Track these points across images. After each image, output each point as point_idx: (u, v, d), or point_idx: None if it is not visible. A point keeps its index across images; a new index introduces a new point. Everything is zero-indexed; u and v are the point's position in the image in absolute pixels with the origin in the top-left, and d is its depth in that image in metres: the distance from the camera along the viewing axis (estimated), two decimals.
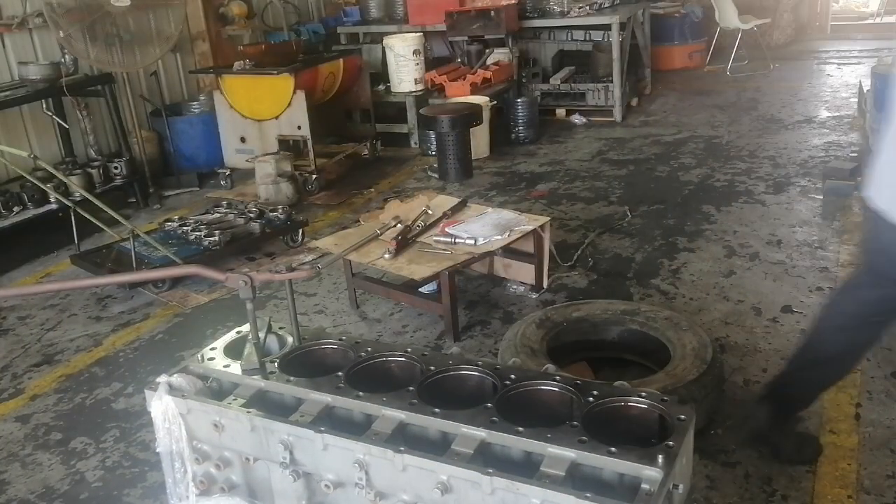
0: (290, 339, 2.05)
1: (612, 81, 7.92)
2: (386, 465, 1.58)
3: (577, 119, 8.05)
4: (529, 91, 8.10)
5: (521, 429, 1.57)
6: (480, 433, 1.58)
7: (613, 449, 1.49)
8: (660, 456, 1.44)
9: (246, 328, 2.00)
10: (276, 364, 1.92)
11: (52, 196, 5.29)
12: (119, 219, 4.57)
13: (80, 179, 5.81)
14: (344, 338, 2.04)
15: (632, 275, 4.49)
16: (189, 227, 5.03)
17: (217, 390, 1.93)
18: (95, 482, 3.09)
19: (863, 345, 2.64)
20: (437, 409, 1.66)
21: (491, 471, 1.48)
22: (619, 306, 3.60)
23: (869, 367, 3.36)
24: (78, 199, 5.12)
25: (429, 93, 7.48)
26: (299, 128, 6.34)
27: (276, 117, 6.41)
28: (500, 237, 3.98)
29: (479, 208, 4.45)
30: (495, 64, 7.79)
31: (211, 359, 1.99)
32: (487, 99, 7.04)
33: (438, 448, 1.60)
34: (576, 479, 1.49)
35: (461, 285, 4.39)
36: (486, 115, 6.76)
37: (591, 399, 1.67)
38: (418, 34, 7.66)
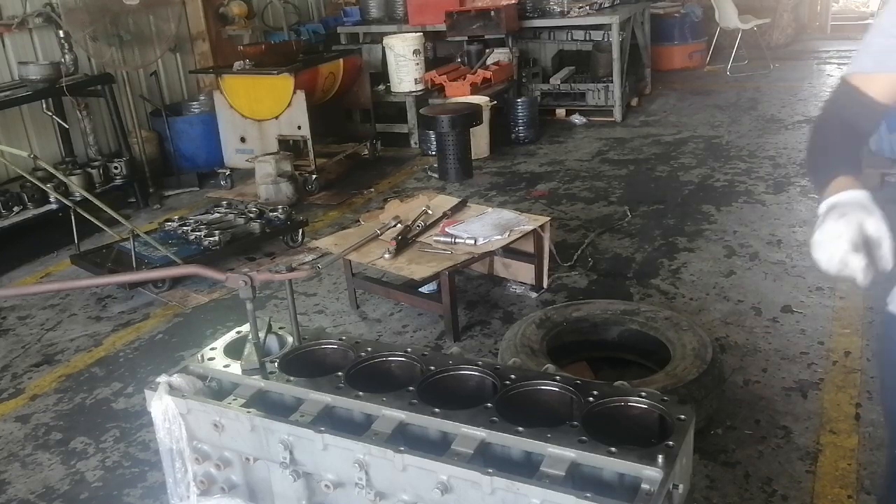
0: (290, 339, 2.05)
1: (612, 81, 7.92)
2: (386, 465, 1.58)
3: (577, 119, 8.04)
4: (529, 91, 8.10)
5: (521, 429, 1.57)
6: (480, 433, 1.58)
7: (613, 449, 1.49)
8: (660, 456, 1.44)
9: (246, 328, 2.00)
10: (276, 364, 1.92)
11: (52, 196, 5.29)
12: (119, 219, 4.57)
13: (80, 179, 5.81)
14: (344, 338, 2.04)
15: (632, 275, 4.49)
16: (189, 227, 5.03)
17: (217, 390, 1.93)
18: (95, 482, 3.09)
19: None
20: (437, 409, 1.66)
21: (491, 471, 1.47)
22: (619, 306, 3.60)
23: (868, 367, 3.37)
24: (78, 199, 5.12)
25: (429, 93, 7.48)
26: (299, 128, 6.34)
27: (276, 117, 6.41)
28: (500, 237, 3.98)
29: (479, 208, 4.45)
30: (495, 64, 7.79)
31: (211, 359, 1.98)
32: (487, 99, 7.04)
33: (438, 448, 1.60)
34: (576, 479, 1.49)
35: (461, 285, 4.39)
36: (486, 115, 6.76)
37: (591, 399, 1.67)
38: (418, 34, 7.66)
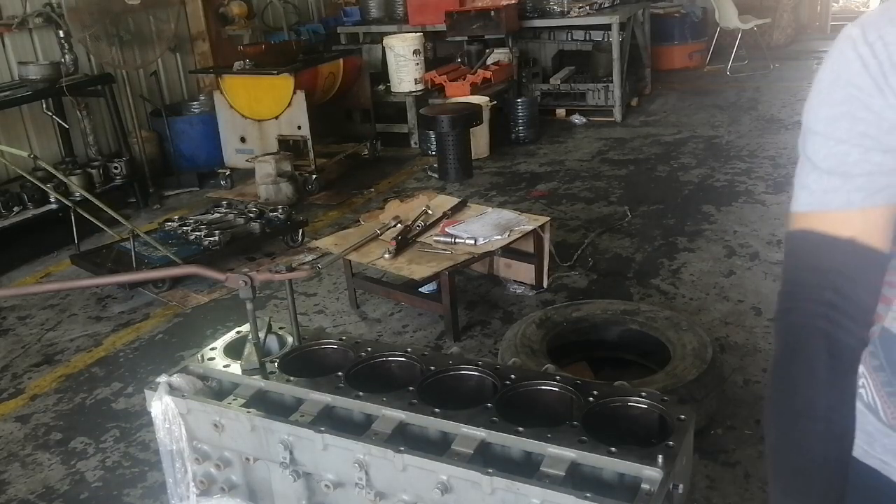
0: (290, 339, 2.04)
1: (612, 81, 7.92)
2: (386, 465, 1.58)
3: (577, 119, 8.04)
4: (529, 91, 8.10)
5: (521, 429, 1.57)
6: (480, 433, 1.58)
7: (613, 449, 1.48)
8: (660, 456, 1.44)
9: (246, 328, 2.00)
10: (276, 364, 1.91)
11: (52, 196, 5.29)
12: (119, 219, 4.57)
13: (80, 179, 5.81)
14: (344, 338, 2.04)
15: (632, 275, 4.49)
16: (189, 227, 5.03)
17: (217, 390, 1.93)
18: (95, 482, 3.09)
19: None
20: (437, 409, 1.66)
21: (491, 471, 1.47)
22: (619, 306, 3.60)
23: None
24: (78, 199, 5.12)
25: (429, 93, 7.48)
26: (299, 128, 6.34)
27: (276, 117, 6.41)
28: (500, 237, 3.98)
29: (479, 208, 4.45)
30: (495, 64, 7.79)
31: (211, 359, 1.98)
32: (487, 99, 7.04)
33: (438, 448, 1.60)
34: (576, 478, 1.49)
35: (461, 285, 4.38)
36: (486, 115, 6.76)
37: (591, 399, 1.67)
38: (418, 34, 7.66)
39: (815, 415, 1.01)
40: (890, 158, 0.99)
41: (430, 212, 4.31)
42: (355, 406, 1.73)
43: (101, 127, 6.64)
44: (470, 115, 6.34)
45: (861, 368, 1.13)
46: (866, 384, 1.19)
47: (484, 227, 4.08)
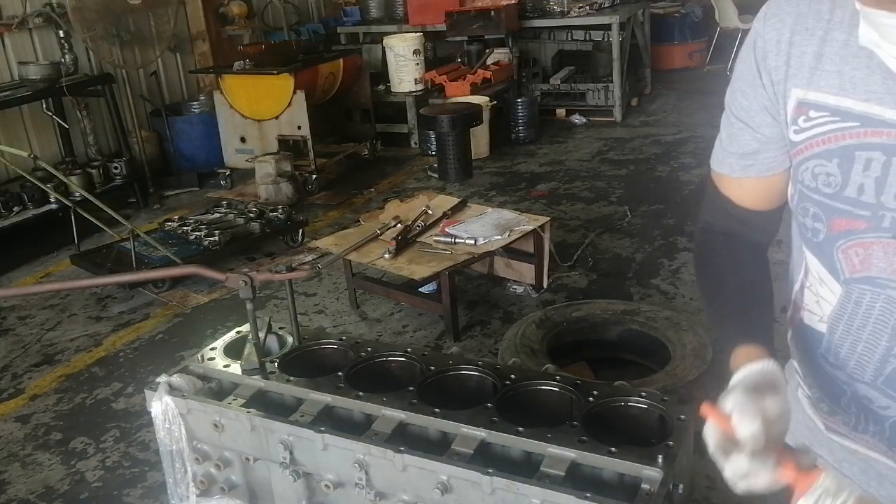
0: (290, 339, 2.04)
1: (612, 81, 7.92)
2: (386, 465, 1.58)
3: (577, 119, 8.04)
4: (529, 91, 8.10)
5: (521, 429, 1.57)
6: (480, 433, 1.58)
7: (613, 449, 1.48)
8: (660, 456, 1.44)
9: (246, 328, 2.00)
10: (276, 364, 1.91)
11: (52, 196, 5.29)
12: (119, 219, 4.57)
13: (80, 179, 5.81)
14: (344, 338, 2.04)
15: (632, 275, 4.49)
16: (189, 227, 5.03)
17: (217, 390, 1.93)
18: (95, 482, 3.10)
19: None
20: (437, 409, 1.66)
21: (491, 471, 1.47)
22: (619, 306, 3.61)
23: None
24: (78, 199, 5.12)
25: (429, 93, 7.48)
26: (299, 128, 6.34)
27: (276, 117, 6.41)
28: (500, 237, 3.98)
29: (479, 208, 4.45)
30: (495, 64, 7.78)
31: (211, 359, 1.98)
32: (487, 99, 7.04)
33: (438, 448, 1.60)
34: (576, 479, 1.49)
35: (461, 285, 4.38)
36: (486, 115, 6.76)
37: (591, 399, 1.67)
38: (418, 34, 7.66)
39: (725, 279, 1.37)
40: (755, 140, 1.17)
41: (430, 212, 4.31)
42: (355, 406, 1.73)
43: (101, 127, 6.64)
44: (470, 115, 6.34)
45: (797, 372, 1.38)
46: (801, 379, 1.37)
47: (484, 227, 4.08)
